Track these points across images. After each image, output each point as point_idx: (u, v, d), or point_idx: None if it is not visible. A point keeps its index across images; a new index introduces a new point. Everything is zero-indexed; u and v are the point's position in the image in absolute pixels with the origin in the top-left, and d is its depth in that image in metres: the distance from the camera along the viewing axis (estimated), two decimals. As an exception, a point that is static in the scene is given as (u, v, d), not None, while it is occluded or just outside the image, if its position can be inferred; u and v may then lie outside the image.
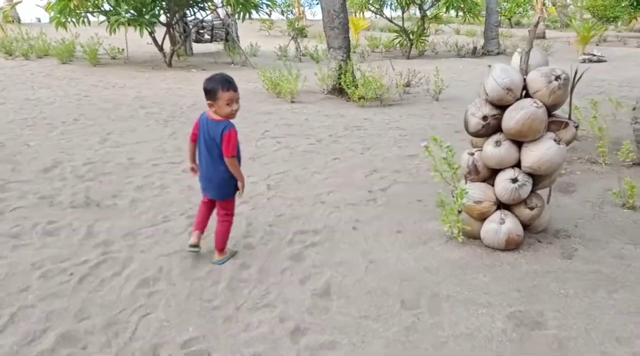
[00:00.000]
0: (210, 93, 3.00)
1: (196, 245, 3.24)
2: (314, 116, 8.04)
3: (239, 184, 3.15)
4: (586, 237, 3.49)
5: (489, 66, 3.10)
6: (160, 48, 14.10)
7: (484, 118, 3.08)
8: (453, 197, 3.44)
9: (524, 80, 3.04)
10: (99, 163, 5.37)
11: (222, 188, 3.17)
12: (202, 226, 3.32)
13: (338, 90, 9.75)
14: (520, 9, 37.62)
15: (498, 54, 19.13)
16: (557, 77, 2.90)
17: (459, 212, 3.27)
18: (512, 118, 2.95)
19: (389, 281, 2.98)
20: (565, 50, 20.23)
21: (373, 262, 3.22)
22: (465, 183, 3.39)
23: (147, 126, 7.08)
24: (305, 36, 23.91)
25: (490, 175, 3.30)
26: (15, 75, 11.36)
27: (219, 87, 2.98)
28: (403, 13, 18.40)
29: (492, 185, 3.33)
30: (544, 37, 27.37)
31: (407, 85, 10.14)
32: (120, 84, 10.88)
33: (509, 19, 37.61)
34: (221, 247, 3.28)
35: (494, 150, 3.11)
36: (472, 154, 3.30)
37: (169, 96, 9.49)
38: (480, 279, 2.97)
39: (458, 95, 10.04)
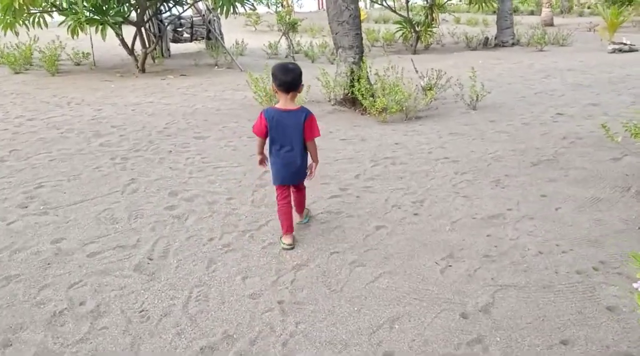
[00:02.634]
0: (300, 80, 3.09)
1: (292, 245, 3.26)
2: (326, 141, 6.01)
3: (314, 165, 3.27)
4: None
5: None
6: (131, 51, 11.96)
7: None
8: None
9: None
10: (4, 253, 3.34)
11: (305, 170, 3.30)
12: (293, 226, 3.33)
13: (350, 101, 7.72)
14: (521, -5, 35.68)
15: (513, 44, 17.17)
16: None
17: None
18: None
19: None
20: (586, 39, 18.34)
21: None
22: None
23: (97, 169, 5.02)
24: (297, 31, 21.84)
25: None
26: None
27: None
28: (408, 2, 16.34)
29: None
30: (552, 25, 25.46)
31: (430, 89, 8.14)
32: (78, 98, 8.78)
33: (508, 6, 35.56)
34: (303, 210, 3.60)
35: None
36: None
37: (135, 116, 7.40)
38: None
39: (498, 101, 8.06)
